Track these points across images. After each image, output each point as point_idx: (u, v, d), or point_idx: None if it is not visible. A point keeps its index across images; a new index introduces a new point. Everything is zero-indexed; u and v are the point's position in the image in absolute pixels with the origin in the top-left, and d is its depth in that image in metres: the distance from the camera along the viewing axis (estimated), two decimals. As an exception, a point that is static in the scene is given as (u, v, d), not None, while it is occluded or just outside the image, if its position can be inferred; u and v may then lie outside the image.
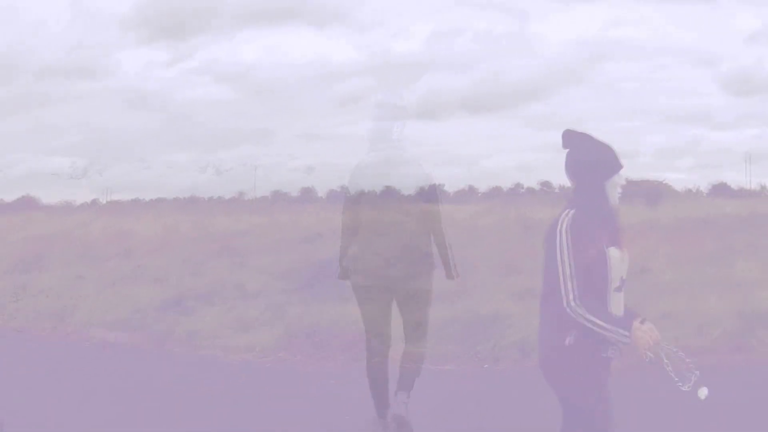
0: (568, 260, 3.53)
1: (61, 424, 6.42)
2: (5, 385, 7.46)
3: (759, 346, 8.75)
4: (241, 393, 7.48)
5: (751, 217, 14.93)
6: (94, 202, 25.42)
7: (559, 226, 3.59)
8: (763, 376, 7.72)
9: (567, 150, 3.78)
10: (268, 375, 8.35)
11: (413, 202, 5.17)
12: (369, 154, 5.23)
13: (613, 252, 3.62)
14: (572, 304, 3.52)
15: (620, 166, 3.73)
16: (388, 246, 5.08)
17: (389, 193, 5.12)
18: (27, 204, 21.16)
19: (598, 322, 3.54)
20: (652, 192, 20.33)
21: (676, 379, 3.70)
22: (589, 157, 3.72)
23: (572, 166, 3.76)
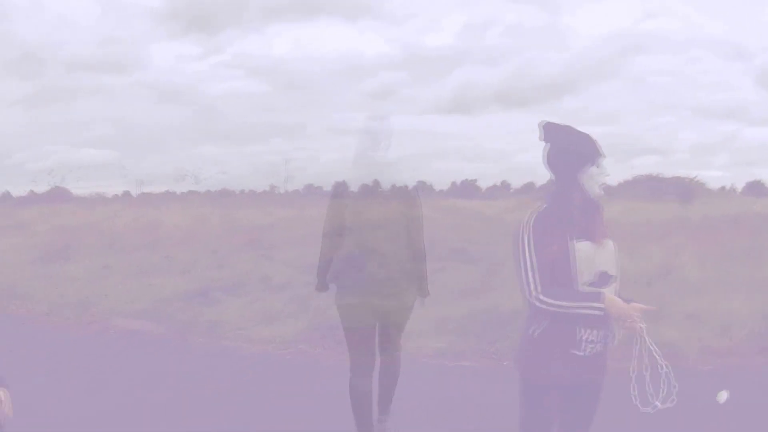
0: (529, 254, 3.46)
1: (79, 412, 6.40)
2: (26, 372, 7.57)
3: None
4: (257, 384, 7.47)
5: (785, 216, 14.72)
6: (126, 194, 25.76)
7: (525, 221, 3.52)
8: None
9: (546, 143, 3.66)
10: (287, 367, 8.28)
11: (396, 214, 5.09)
12: (353, 173, 5.18)
13: (582, 246, 3.49)
14: (535, 295, 3.46)
15: (597, 157, 3.59)
16: (373, 261, 5.01)
17: (374, 207, 5.05)
18: (58, 195, 21.42)
19: (565, 303, 3.45)
20: (684, 189, 20.13)
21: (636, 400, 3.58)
22: (567, 149, 3.62)
23: (549, 158, 3.65)
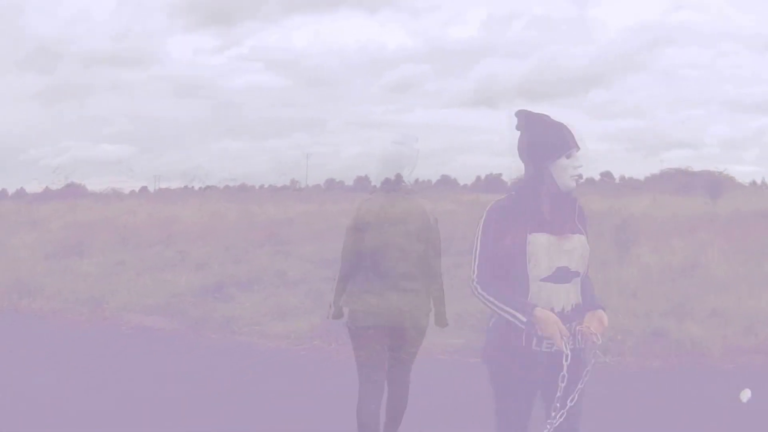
0: (480, 242, 3.46)
1: (90, 407, 6.33)
2: (38, 367, 7.56)
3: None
4: (269, 380, 7.36)
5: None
6: (143, 190, 25.72)
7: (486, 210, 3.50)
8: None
9: (519, 132, 3.56)
10: (300, 363, 8.14)
11: (415, 243, 4.91)
12: (376, 194, 5.00)
13: (538, 239, 3.40)
14: (473, 283, 3.47)
15: (569, 148, 3.46)
16: (389, 287, 4.83)
17: (392, 233, 4.85)
18: (74, 191, 21.41)
19: (496, 302, 3.42)
20: (713, 183, 19.88)
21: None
22: (536, 139, 3.49)
23: (520, 148, 3.54)
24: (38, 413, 6.13)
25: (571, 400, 3.34)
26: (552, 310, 3.38)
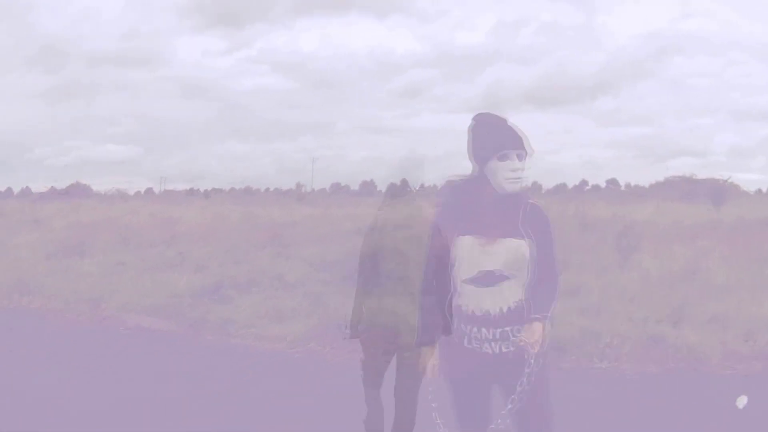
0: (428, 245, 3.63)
1: (85, 407, 6.34)
2: (35, 366, 7.59)
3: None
4: (263, 382, 7.35)
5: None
6: (149, 191, 25.73)
7: None
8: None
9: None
10: (295, 365, 8.14)
11: (414, 248, 4.87)
12: (384, 209, 4.97)
13: (465, 241, 3.42)
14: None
15: (500, 149, 3.43)
16: (399, 303, 4.79)
17: (402, 251, 4.81)
18: (78, 191, 21.45)
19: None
20: (717, 191, 19.77)
21: None
22: (474, 140, 3.51)
23: (467, 149, 3.55)
24: (33, 412, 6.12)
25: (512, 402, 3.38)
26: (473, 313, 3.42)
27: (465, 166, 3.57)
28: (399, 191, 4.91)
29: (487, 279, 3.39)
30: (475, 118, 3.53)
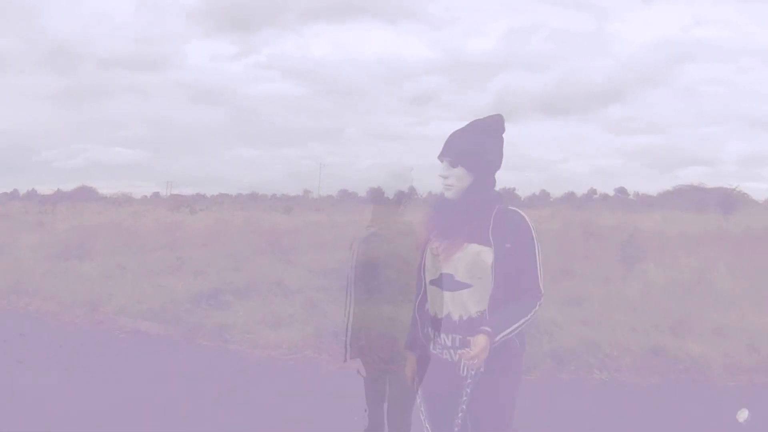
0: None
1: (79, 411, 6.32)
2: (29, 368, 7.57)
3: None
4: (257, 389, 7.30)
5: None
6: (155, 195, 25.66)
7: None
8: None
9: None
10: (289, 372, 8.03)
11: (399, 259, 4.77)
12: (371, 228, 4.87)
13: (432, 244, 3.45)
14: None
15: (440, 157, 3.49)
16: (398, 314, 4.69)
17: (392, 269, 4.71)
18: (85, 194, 21.46)
19: None
20: (726, 200, 19.62)
21: None
22: None
23: None
24: (26, 413, 6.11)
25: (461, 410, 3.33)
26: (435, 315, 3.42)
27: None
28: (391, 200, 4.80)
29: (449, 283, 3.36)
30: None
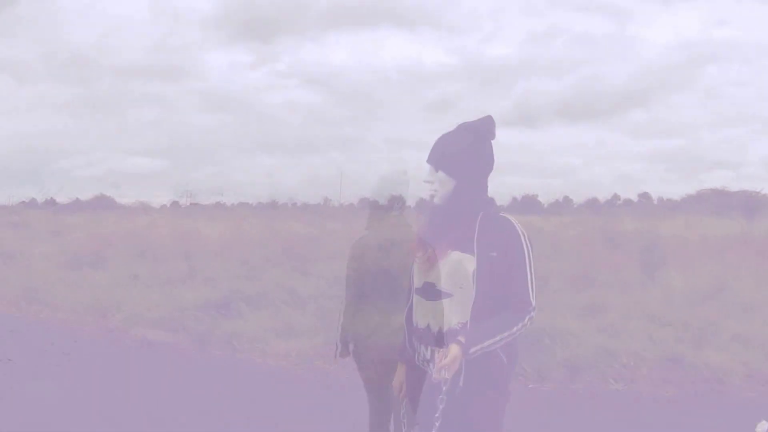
0: None
1: (86, 419, 6.27)
2: (39, 376, 7.52)
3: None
4: (265, 399, 7.23)
5: None
6: (174, 204, 25.70)
7: None
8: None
9: None
10: (298, 382, 7.94)
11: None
12: (368, 231, 4.74)
13: (419, 251, 3.34)
14: None
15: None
16: (388, 326, 4.55)
17: (386, 272, 4.57)
18: (102, 203, 21.52)
19: None
20: (749, 204, 19.27)
21: None
22: None
23: None
24: (35, 422, 6.04)
25: (434, 427, 3.13)
26: (417, 325, 3.30)
27: (496, 181, 3.40)
28: (387, 207, 4.66)
29: (431, 292, 3.21)
30: None
